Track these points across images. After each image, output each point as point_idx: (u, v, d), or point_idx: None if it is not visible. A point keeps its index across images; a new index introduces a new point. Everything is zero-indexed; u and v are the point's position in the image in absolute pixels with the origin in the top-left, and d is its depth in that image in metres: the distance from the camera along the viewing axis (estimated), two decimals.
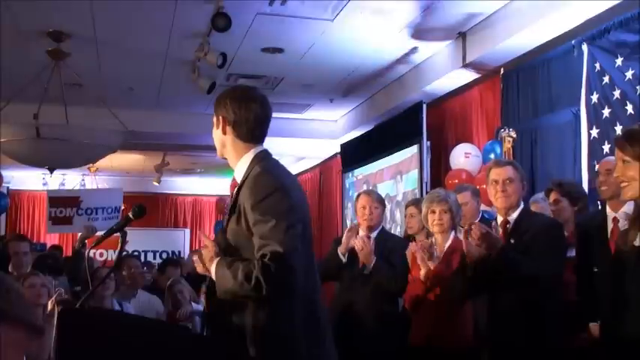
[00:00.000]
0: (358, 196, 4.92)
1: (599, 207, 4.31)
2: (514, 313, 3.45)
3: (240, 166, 2.62)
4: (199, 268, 2.57)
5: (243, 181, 2.55)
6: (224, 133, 2.61)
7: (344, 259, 4.62)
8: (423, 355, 4.08)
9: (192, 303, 5.52)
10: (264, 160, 2.60)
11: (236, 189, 2.60)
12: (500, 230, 3.61)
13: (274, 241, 2.36)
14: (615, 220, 3.71)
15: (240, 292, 2.38)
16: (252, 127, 2.61)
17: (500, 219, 3.69)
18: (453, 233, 4.29)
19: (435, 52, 7.04)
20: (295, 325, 2.46)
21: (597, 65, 5.17)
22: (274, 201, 2.43)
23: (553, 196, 4.30)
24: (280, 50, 7.02)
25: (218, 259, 2.47)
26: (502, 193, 3.63)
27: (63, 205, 6.65)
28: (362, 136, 9.31)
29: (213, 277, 2.47)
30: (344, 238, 4.64)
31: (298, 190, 2.65)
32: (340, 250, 4.63)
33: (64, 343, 2.17)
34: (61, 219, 7.11)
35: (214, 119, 2.65)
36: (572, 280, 3.85)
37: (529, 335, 3.41)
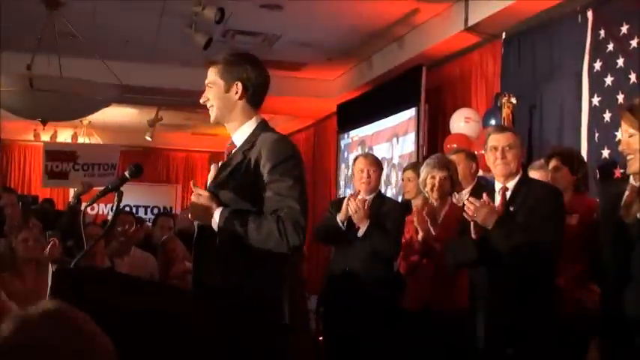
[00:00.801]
0: (356, 159, 4.89)
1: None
2: (512, 279, 3.43)
3: (244, 131, 2.70)
4: (192, 217, 2.62)
5: (251, 144, 2.63)
6: (240, 98, 2.68)
7: (343, 227, 4.60)
8: (420, 320, 4.09)
9: (186, 261, 5.50)
10: (268, 128, 2.73)
11: (237, 149, 2.67)
12: (500, 198, 3.58)
13: (292, 199, 2.50)
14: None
15: (262, 245, 2.48)
16: (262, 94, 2.75)
17: (498, 186, 3.64)
18: (450, 199, 4.29)
19: (437, 13, 6.94)
20: (284, 287, 2.57)
21: (602, 32, 5.10)
22: (292, 165, 2.57)
23: (553, 163, 4.22)
24: (279, 7, 6.90)
25: (222, 208, 2.53)
26: (501, 160, 3.57)
27: (59, 159, 6.60)
28: (359, 97, 9.23)
29: (216, 225, 2.52)
30: (343, 206, 4.59)
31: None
32: (339, 217, 4.60)
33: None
34: (57, 173, 7.07)
35: (221, 83, 2.68)
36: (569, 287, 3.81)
37: (525, 301, 3.39)
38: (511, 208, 3.53)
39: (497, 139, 3.62)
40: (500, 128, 3.84)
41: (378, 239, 4.49)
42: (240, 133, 2.71)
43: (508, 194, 3.59)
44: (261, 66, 2.75)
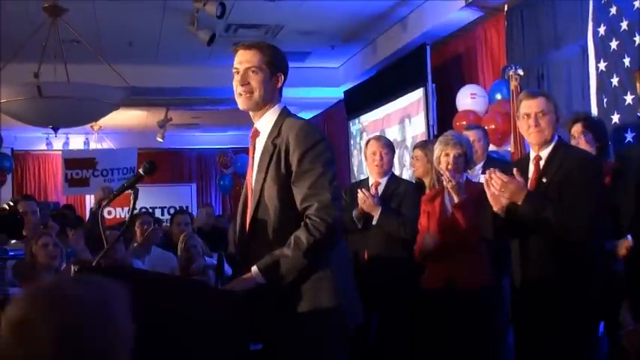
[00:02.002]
0: (368, 142, 4.87)
1: None
2: (545, 255, 3.27)
3: (268, 118, 2.71)
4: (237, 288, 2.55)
5: (277, 132, 2.64)
6: (278, 87, 2.71)
7: (359, 225, 4.61)
8: (442, 298, 4.07)
9: (205, 257, 5.53)
10: (293, 114, 2.75)
11: (267, 139, 2.67)
12: (533, 168, 3.46)
13: (322, 189, 2.52)
14: None
15: (313, 254, 2.50)
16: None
17: (532, 155, 3.43)
18: (464, 176, 4.25)
19: None
20: (335, 266, 2.58)
21: None
22: (321, 150, 2.57)
23: (577, 128, 4.10)
24: None
25: (255, 270, 2.51)
26: (535, 128, 3.31)
27: (79, 166, 6.64)
28: (366, 82, 9.22)
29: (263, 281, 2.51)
30: (359, 203, 4.59)
31: None
32: (355, 214, 4.61)
33: None
34: (78, 181, 7.11)
35: (266, 70, 2.64)
36: None
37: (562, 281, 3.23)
38: (544, 180, 3.32)
39: (529, 106, 3.36)
40: (533, 93, 3.49)
41: (392, 224, 4.48)
42: (264, 120, 2.70)
43: (542, 163, 3.37)
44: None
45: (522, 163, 3.51)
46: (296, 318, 2.51)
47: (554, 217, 3.14)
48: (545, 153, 3.36)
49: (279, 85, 2.70)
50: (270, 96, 2.68)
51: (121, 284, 1.41)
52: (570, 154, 3.36)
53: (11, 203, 2.55)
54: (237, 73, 2.65)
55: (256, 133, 2.73)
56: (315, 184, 2.52)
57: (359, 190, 4.55)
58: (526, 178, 3.37)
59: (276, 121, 2.68)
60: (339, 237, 2.61)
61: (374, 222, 4.51)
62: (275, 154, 2.61)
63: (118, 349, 1.28)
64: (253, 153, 2.75)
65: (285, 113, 2.71)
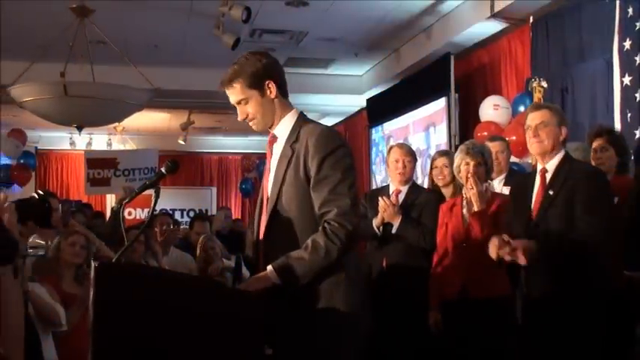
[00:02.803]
0: (390, 149, 4.85)
1: None
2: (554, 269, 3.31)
3: (285, 123, 2.70)
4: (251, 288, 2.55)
5: (296, 136, 2.64)
6: (275, 95, 2.67)
7: (379, 233, 4.60)
8: (458, 307, 4.06)
9: (224, 259, 5.56)
10: (311, 120, 2.74)
11: (285, 143, 2.67)
12: (539, 180, 3.49)
13: (341, 196, 2.52)
14: None
15: (329, 260, 2.50)
16: (284, 79, 2.72)
17: (539, 167, 3.50)
18: (484, 186, 4.23)
19: (463, 2, 6.91)
20: (350, 271, 2.58)
21: (630, 10, 5.05)
22: (341, 156, 2.56)
23: (599, 142, 4.09)
24: (305, 3, 6.93)
25: (270, 268, 2.50)
26: (534, 139, 3.43)
27: (100, 166, 6.70)
28: (388, 90, 9.22)
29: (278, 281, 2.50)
30: (380, 213, 4.59)
31: None
32: (375, 223, 4.60)
33: (101, 295, 2.19)
34: (99, 180, 7.16)
35: (254, 92, 2.64)
36: None
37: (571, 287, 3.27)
38: (550, 192, 3.38)
39: (531, 118, 3.48)
40: (536, 106, 3.66)
41: (412, 234, 4.47)
42: (281, 125, 2.70)
43: (548, 176, 3.44)
44: (266, 54, 2.71)
45: (531, 177, 3.55)
46: (309, 322, 2.51)
47: (570, 249, 3.20)
48: (551, 165, 3.44)
49: (275, 91, 2.65)
50: (273, 109, 2.68)
51: None
52: (577, 168, 3.42)
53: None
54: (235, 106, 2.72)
55: (274, 139, 2.74)
56: (334, 190, 2.52)
57: (380, 198, 4.55)
58: (532, 190, 3.42)
59: (293, 127, 2.68)
60: (355, 243, 2.61)
61: (393, 231, 4.51)
62: (293, 159, 2.61)
63: None
64: (271, 158, 2.75)
65: (302, 118, 2.71)
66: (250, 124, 2.72)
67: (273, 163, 2.72)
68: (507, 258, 3.25)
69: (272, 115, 2.69)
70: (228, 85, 2.67)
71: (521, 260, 3.18)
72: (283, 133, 2.69)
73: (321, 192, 2.54)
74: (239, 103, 2.67)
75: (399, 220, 4.48)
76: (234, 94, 2.67)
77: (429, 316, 4.22)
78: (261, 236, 2.70)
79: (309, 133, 2.61)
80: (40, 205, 2.31)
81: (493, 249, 3.29)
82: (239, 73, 2.64)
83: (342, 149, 2.58)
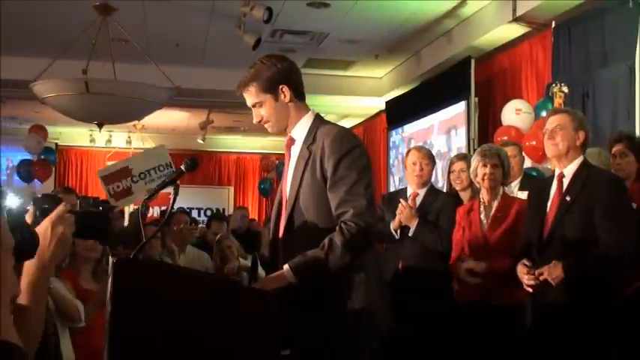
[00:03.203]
0: (408, 152, 4.85)
1: None
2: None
3: (302, 125, 2.73)
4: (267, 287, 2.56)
5: (312, 138, 2.67)
6: (290, 99, 2.69)
7: (397, 236, 4.60)
8: (474, 312, 4.04)
9: (240, 258, 5.57)
10: (325, 121, 2.76)
11: (302, 145, 2.70)
12: (556, 185, 3.49)
13: (357, 197, 2.53)
14: None
15: (347, 258, 2.50)
16: (300, 82, 2.76)
17: (557, 172, 3.52)
18: (501, 190, 4.21)
19: (484, 5, 6.88)
20: (368, 271, 2.60)
21: None
22: (357, 156, 2.58)
23: (619, 147, 4.05)
24: (326, 5, 6.94)
25: (287, 267, 2.52)
26: (549, 142, 3.45)
27: (117, 179, 6.71)
28: (408, 92, 9.20)
29: (294, 280, 2.52)
30: (397, 219, 4.59)
31: None
32: (393, 226, 4.60)
33: (118, 291, 2.20)
34: (121, 193, 7.18)
35: (268, 96, 2.67)
36: None
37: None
38: (567, 198, 3.38)
39: (550, 121, 3.51)
40: (556, 110, 3.71)
41: (429, 237, 4.46)
42: (298, 128, 2.73)
43: (565, 181, 3.44)
44: (283, 57, 2.75)
45: (548, 182, 3.54)
46: (330, 321, 2.52)
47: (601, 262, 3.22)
48: (568, 171, 3.44)
49: (289, 95, 2.68)
50: (287, 112, 2.71)
51: None
52: (594, 174, 3.41)
53: (101, 202, 2.49)
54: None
55: (291, 142, 2.77)
56: (350, 191, 2.54)
57: (401, 201, 4.54)
58: (548, 195, 3.41)
59: (310, 128, 2.71)
60: (372, 243, 2.64)
61: (410, 233, 4.50)
62: (310, 160, 2.64)
63: None
64: (289, 160, 2.78)
65: (318, 120, 2.74)
66: (265, 126, 2.75)
67: (291, 165, 2.75)
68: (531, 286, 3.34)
69: (286, 118, 2.72)
70: (244, 88, 2.71)
71: (553, 284, 3.25)
72: (300, 136, 2.72)
73: (338, 192, 2.56)
74: (254, 106, 2.71)
75: (416, 223, 4.47)
76: (249, 97, 2.71)
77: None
78: (279, 237, 2.72)
79: (325, 134, 2.64)
80: (101, 219, 2.26)
81: (522, 277, 3.38)
82: (254, 78, 2.68)
83: (357, 149, 2.60)
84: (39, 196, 2.19)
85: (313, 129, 2.69)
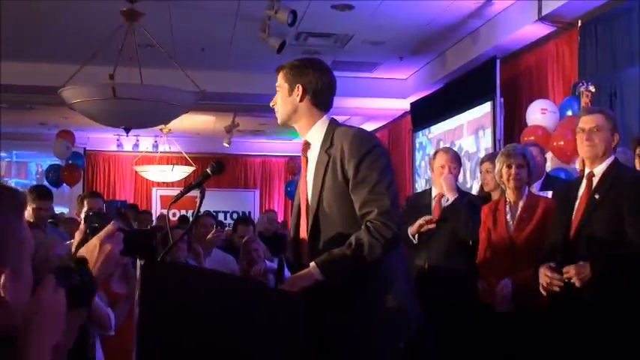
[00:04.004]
0: (436, 154, 4.82)
1: None
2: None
3: (316, 130, 2.78)
4: (295, 288, 2.56)
5: (330, 142, 2.70)
6: (301, 100, 2.75)
7: (415, 241, 4.60)
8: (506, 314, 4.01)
9: (266, 261, 5.58)
10: (341, 124, 2.79)
11: (320, 150, 2.74)
12: (585, 184, 3.46)
13: (380, 196, 2.56)
14: None
15: (373, 257, 2.52)
16: (327, 96, 2.81)
17: (586, 171, 3.49)
18: (527, 190, 4.18)
19: (510, 4, 6.84)
20: (398, 271, 2.65)
21: None
22: (377, 156, 2.61)
23: None
24: (350, 7, 6.94)
25: (313, 265, 2.55)
26: (587, 142, 3.40)
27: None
28: (433, 94, 9.18)
29: (322, 277, 2.54)
30: (416, 225, 4.59)
31: None
32: (411, 231, 4.59)
33: (147, 294, 2.22)
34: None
35: (286, 86, 2.77)
36: None
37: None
38: (596, 196, 3.36)
39: (585, 121, 3.46)
40: (590, 110, 3.67)
41: (461, 217, 4.41)
42: (313, 132, 2.78)
43: (595, 180, 3.42)
44: (325, 69, 2.81)
45: (577, 181, 3.51)
46: (362, 320, 2.55)
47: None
48: (599, 170, 3.41)
49: (300, 96, 2.75)
50: (293, 109, 2.78)
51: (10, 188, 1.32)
52: (624, 173, 3.38)
53: (129, 206, 2.52)
54: None
55: (307, 146, 2.81)
56: (373, 190, 2.56)
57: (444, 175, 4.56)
58: (577, 194, 3.39)
59: (326, 132, 2.74)
60: (399, 242, 2.65)
61: (445, 203, 4.49)
62: (330, 164, 2.67)
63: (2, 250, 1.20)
64: (306, 165, 2.82)
65: (334, 123, 2.78)
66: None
67: (310, 170, 2.78)
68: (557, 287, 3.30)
69: (293, 115, 2.79)
70: (279, 70, 2.83)
71: (577, 284, 3.22)
72: (316, 140, 2.77)
73: (361, 193, 2.58)
74: (276, 88, 2.83)
75: (455, 196, 4.46)
76: (277, 77, 2.83)
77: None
78: (300, 241, 2.75)
79: (342, 136, 2.67)
80: (148, 238, 2.29)
81: (544, 280, 3.35)
82: (288, 66, 2.80)
83: (377, 149, 2.63)
84: (90, 214, 2.23)
85: (329, 132, 2.73)
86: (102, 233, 1.93)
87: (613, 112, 5.45)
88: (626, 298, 3.20)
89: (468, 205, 4.49)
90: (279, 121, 2.85)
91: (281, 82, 2.79)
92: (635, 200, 3.24)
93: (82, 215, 4.94)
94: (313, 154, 2.77)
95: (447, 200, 4.58)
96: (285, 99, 2.77)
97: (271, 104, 2.85)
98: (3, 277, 1.17)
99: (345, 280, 2.55)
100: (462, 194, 4.72)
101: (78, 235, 2.01)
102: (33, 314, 1.23)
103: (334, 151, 2.66)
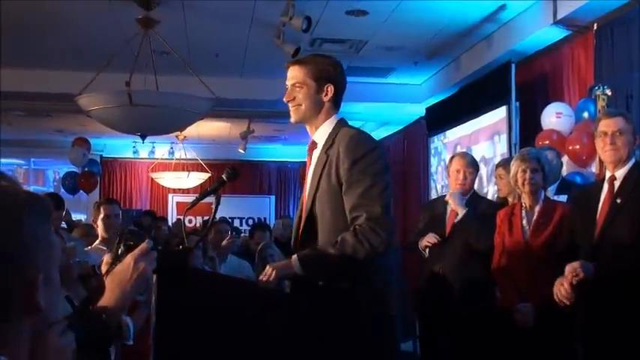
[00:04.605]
0: (452, 158, 4.83)
1: None
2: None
3: (323, 130, 2.76)
4: (275, 278, 2.58)
5: (331, 142, 2.68)
6: (327, 98, 2.73)
7: (426, 254, 4.61)
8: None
9: None
10: (347, 125, 2.77)
11: (321, 149, 2.73)
12: (607, 188, 3.43)
13: (371, 201, 2.52)
14: None
15: (354, 261, 2.51)
16: (342, 95, 2.81)
17: (607, 175, 3.45)
18: (543, 194, 4.16)
19: (525, 9, 6.82)
20: (392, 275, 2.64)
21: None
22: (371, 161, 2.57)
23: None
24: (364, 13, 6.94)
25: (295, 257, 2.55)
26: (611, 146, 3.35)
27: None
28: (448, 98, 9.15)
29: (301, 271, 2.54)
30: (424, 244, 4.61)
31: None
32: (421, 245, 4.60)
33: (163, 300, 2.23)
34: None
35: (312, 84, 2.71)
36: None
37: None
38: (618, 200, 3.32)
39: (606, 124, 3.40)
40: (612, 113, 3.59)
41: (472, 229, 4.44)
42: (321, 132, 2.76)
43: (616, 184, 3.38)
44: (343, 68, 2.82)
45: (598, 185, 3.47)
46: (349, 326, 2.51)
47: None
48: (620, 173, 3.36)
49: (329, 96, 2.72)
50: (319, 108, 2.73)
51: (33, 194, 1.30)
52: None
53: (145, 214, 2.54)
54: (287, 89, 2.77)
55: (314, 146, 2.80)
56: (364, 194, 2.53)
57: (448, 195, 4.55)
58: (598, 199, 3.35)
59: (331, 133, 2.73)
60: (385, 250, 2.57)
61: (456, 219, 4.47)
62: (327, 164, 2.66)
63: (34, 255, 1.18)
64: (310, 164, 2.82)
65: (340, 124, 2.75)
66: (290, 107, 2.76)
67: (311, 169, 2.79)
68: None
69: (314, 113, 2.75)
70: (294, 63, 2.77)
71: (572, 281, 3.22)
72: (322, 139, 2.75)
73: (352, 197, 2.56)
74: (294, 85, 2.74)
75: (464, 212, 4.46)
76: (295, 74, 2.74)
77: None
78: (298, 242, 2.75)
79: (341, 138, 2.66)
80: (181, 258, 2.31)
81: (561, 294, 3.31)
82: (311, 61, 2.75)
83: (372, 153, 2.60)
84: (126, 231, 2.25)
85: (333, 133, 2.71)
86: (136, 251, 1.95)
87: (632, 114, 5.46)
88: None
89: (479, 216, 4.48)
90: (295, 118, 2.78)
91: (304, 78, 2.72)
92: None
93: (99, 222, 4.98)
94: (316, 154, 2.76)
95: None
96: (311, 96, 2.72)
97: (286, 99, 2.78)
98: (39, 285, 1.17)
99: (329, 278, 2.53)
100: (477, 200, 4.71)
101: (109, 255, 2.05)
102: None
103: (332, 152, 2.65)
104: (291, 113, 2.78)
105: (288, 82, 2.76)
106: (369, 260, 2.54)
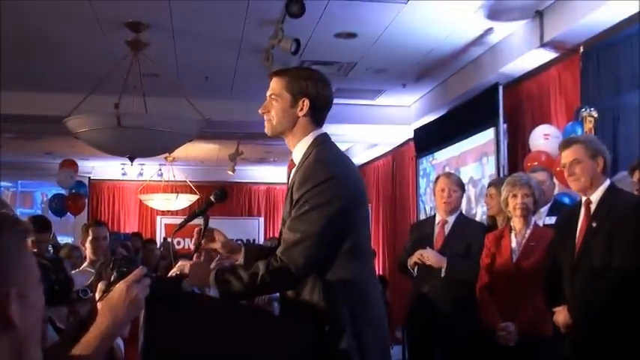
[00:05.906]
0: (437, 178, 4.87)
1: None
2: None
3: (300, 148, 2.63)
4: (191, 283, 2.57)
5: (300, 165, 2.58)
6: (305, 114, 2.60)
7: (414, 273, 4.62)
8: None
9: None
10: (322, 144, 2.61)
11: (293, 171, 2.63)
12: (583, 212, 3.48)
13: (294, 232, 2.44)
14: None
15: (263, 290, 2.64)
16: (326, 112, 2.67)
17: (584, 199, 3.52)
18: (533, 219, 4.20)
19: (512, 32, 6.88)
20: (343, 308, 2.46)
21: None
22: (320, 191, 2.45)
23: (638, 175, 4.06)
24: (353, 35, 6.98)
25: (214, 273, 2.51)
26: (570, 177, 3.48)
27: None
28: (436, 120, 9.20)
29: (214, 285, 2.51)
30: (413, 261, 4.61)
31: (353, 174, 2.64)
32: (409, 264, 4.61)
33: (152, 322, 2.22)
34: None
35: (288, 97, 2.59)
36: None
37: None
38: (593, 224, 3.38)
39: (564, 156, 3.54)
40: (566, 143, 3.64)
41: (461, 273, 4.46)
42: (297, 150, 2.64)
43: (592, 207, 3.44)
44: (327, 82, 2.67)
45: (577, 208, 3.53)
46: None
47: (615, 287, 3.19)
48: (595, 197, 3.44)
49: (305, 110, 2.58)
50: (291, 123, 2.61)
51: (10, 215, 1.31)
52: (622, 199, 3.40)
53: (133, 237, 2.56)
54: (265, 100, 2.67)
55: (292, 164, 2.72)
56: (292, 225, 2.48)
57: (421, 252, 4.55)
58: (577, 221, 3.40)
59: (305, 152, 2.60)
60: (294, 282, 2.49)
61: (442, 274, 4.48)
62: (290, 189, 2.58)
63: (5, 269, 1.18)
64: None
65: (316, 143, 2.61)
66: (265, 120, 2.67)
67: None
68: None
69: (289, 128, 2.62)
70: (274, 74, 2.66)
71: (563, 330, 3.38)
72: (297, 159, 2.64)
73: (287, 224, 2.51)
74: (271, 96, 2.64)
75: (446, 265, 4.47)
76: (273, 84, 2.64)
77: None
78: None
79: (308, 162, 2.55)
80: (174, 286, 2.32)
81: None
82: (290, 73, 2.64)
83: (322, 185, 2.46)
84: (120, 257, 2.25)
85: (307, 153, 2.59)
86: (130, 277, 1.94)
87: (612, 136, 5.51)
88: (618, 325, 3.19)
89: (463, 253, 4.51)
90: (269, 132, 2.67)
91: (281, 90, 2.59)
92: (625, 227, 3.25)
93: (87, 245, 4.96)
94: (292, 173, 2.65)
95: (448, 223, 4.61)
96: (285, 110, 2.59)
97: (261, 111, 2.67)
98: (12, 300, 1.17)
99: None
100: (464, 223, 4.73)
101: (101, 285, 2.05)
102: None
103: (293, 179, 2.58)
104: (265, 126, 2.68)
105: (267, 94, 2.66)
106: (282, 289, 2.57)
